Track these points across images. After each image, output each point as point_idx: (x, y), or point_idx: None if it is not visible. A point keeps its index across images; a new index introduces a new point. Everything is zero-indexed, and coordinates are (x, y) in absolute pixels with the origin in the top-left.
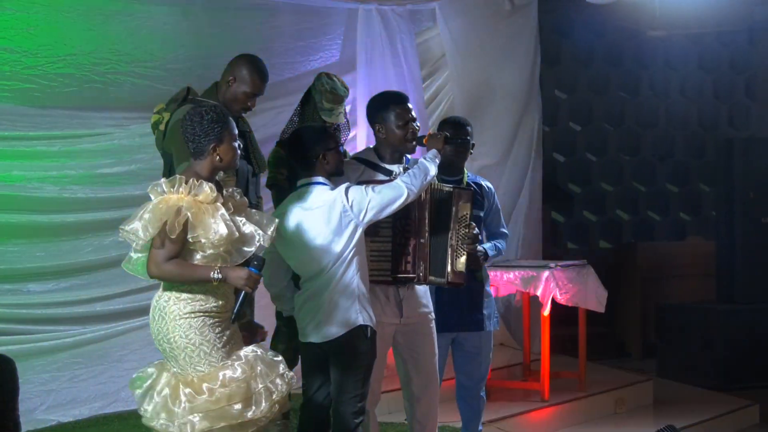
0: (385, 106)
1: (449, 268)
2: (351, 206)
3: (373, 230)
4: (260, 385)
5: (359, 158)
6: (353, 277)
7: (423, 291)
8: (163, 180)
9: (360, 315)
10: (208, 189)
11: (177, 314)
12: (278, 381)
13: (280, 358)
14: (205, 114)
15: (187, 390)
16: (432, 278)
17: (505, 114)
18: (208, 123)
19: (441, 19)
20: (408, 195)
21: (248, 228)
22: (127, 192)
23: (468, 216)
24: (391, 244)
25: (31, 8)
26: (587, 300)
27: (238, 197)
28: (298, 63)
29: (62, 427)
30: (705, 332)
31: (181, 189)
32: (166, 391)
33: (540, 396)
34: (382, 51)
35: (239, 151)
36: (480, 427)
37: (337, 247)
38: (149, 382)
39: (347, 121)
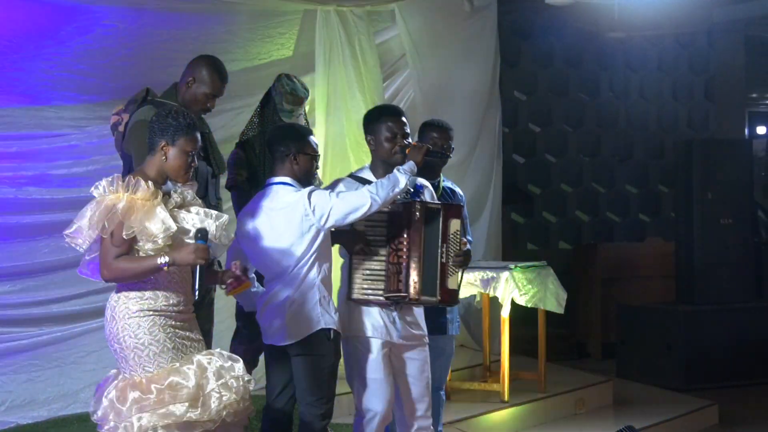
0: (377, 118)
1: (440, 287)
2: (313, 210)
3: (368, 250)
4: (210, 387)
5: (355, 176)
6: (315, 279)
7: (419, 312)
8: (103, 179)
9: (322, 318)
10: (145, 186)
11: (126, 314)
12: (232, 383)
13: (238, 359)
14: (172, 113)
15: (136, 392)
16: (424, 298)
17: (466, 115)
18: (169, 121)
19: (400, 21)
20: (371, 205)
21: (191, 223)
22: (84, 193)
23: (459, 232)
24: (385, 263)
25: None
26: (547, 301)
27: (189, 197)
28: (252, 61)
29: (21, 429)
30: (664, 333)
31: (119, 187)
32: (114, 393)
33: (500, 397)
34: (342, 52)
35: (191, 170)
36: (440, 428)
37: (299, 250)
38: (105, 385)
39: (307, 122)
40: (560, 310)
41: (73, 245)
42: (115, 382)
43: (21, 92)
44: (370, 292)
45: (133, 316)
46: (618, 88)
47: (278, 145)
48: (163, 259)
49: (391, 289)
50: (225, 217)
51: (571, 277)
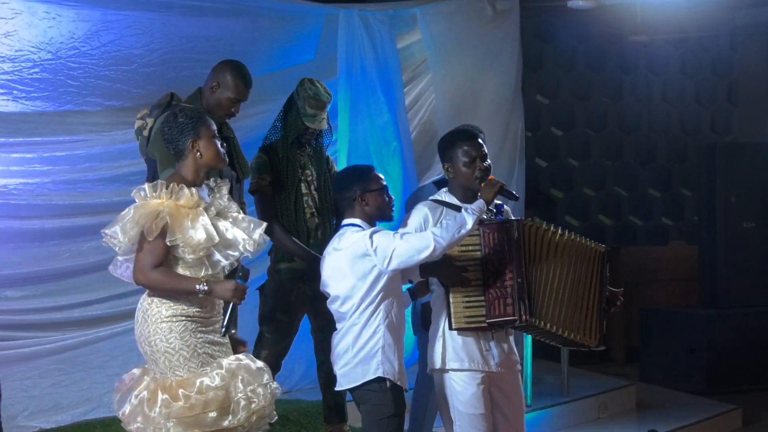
0: (452, 144)
1: (600, 331)
2: (375, 251)
3: (467, 279)
4: (239, 394)
5: (438, 200)
6: (379, 324)
7: (512, 340)
8: (146, 184)
9: (381, 366)
10: (188, 193)
11: (158, 318)
12: (260, 390)
13: (264, 366)
14: (179, 113)
15: (165, 396)
16: (534, 321)
17: (489, 119)
18: (183, 121)
19: (423, 25)
20: (435, 248)
21: (232, 233)
22: (107, 198)
23: (608, 277)
24: (482, 287)
25: (7, 14)
26: None
27: (225, 200)
28: (276, 66)
29: None
30: (688, 337)
31: (162, 193)
32: (144, 394)
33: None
34: (364, 56)
35: (223, 150)
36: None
37: (360, 292)
38: (131, 383)
39: (330, 126)
40: None
41: (110, 245)
42: (145, 382)
43: (45, 98)
44: (473, 319)
45: (165, 320)
46: (641, 91)
47: (343, 192)
48: (202, 287)
49: (495, 313)
50: (263, 225)
51: None
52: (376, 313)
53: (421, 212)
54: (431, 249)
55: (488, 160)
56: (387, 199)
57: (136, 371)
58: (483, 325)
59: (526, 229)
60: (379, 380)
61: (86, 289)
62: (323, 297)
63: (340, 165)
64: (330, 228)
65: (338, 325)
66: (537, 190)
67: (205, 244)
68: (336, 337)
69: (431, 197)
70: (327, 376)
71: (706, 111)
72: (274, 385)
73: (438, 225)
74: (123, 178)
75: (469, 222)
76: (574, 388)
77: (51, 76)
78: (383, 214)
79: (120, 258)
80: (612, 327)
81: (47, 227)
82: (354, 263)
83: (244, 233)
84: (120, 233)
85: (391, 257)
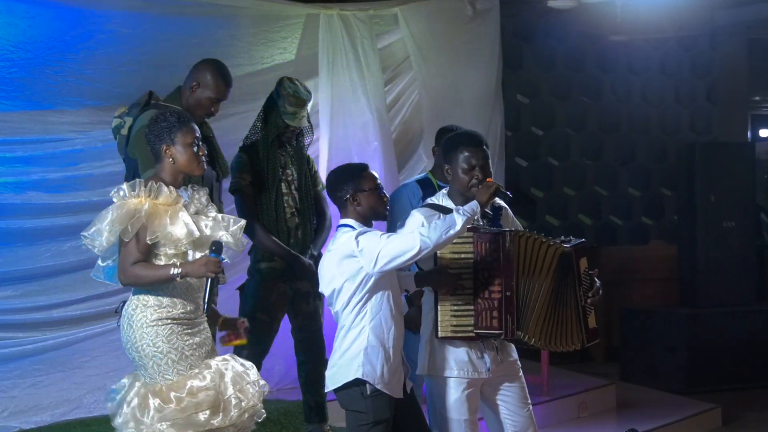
0: (455, 147)
1: (585, 331)
2: (361, 252)
3: (459, 288)
4: (229, 393)
5: (433, 204)
6: (365, 325)
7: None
8: (125, 184)
9: (361, 368)
10: (167, 191)
11: (144, 322)
12: (249, 388)
13: (251, 365)
14: (160, 117)
15: (156, 400)
16: (519, 333)
17: (470, 118)
18: (162, 125)
19: (403, 24)
20: (420, 249)
21: (211, 231)
22: (87, 198)
23: (587, 269)
24: (472, 297)
25: None
26: None
27: (204, 201)
28: (256, 65)
29: None
30: (667, 336)
31: (141, 192)
32: (135, 401)
33: None
34: (346, 56)
35: (202, 157)
36: None
37: (347, 293)
38: (122, 393)
39: (310, 124)
40: None
41: (90, 247)
42: (136, 389)
43: (26, 97)
44: (459, 329)
45: (151, 324)
46: (620, 91)
47: (335, 191)
48: (175, 270)
49: (482, 325)
50: (242, 221)
51: None
52: (361, 315)
53: (416, 219)
54: (417, 249)
55: (490, 171)
56: (381, 198)
57: (125, 381)
58: (470, 335)
59: (520, 240)
60: (360, 385)
61: (66, 289)
62: (303, 296)
63: (320, 165)
64: (310, 228)
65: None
66: (517, 189)
67: (186, 239)
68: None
69: (427, 201)
70: (307, 375)
71: (686, 111)
72: (262, 382)
73: (427, 226)
74: (103, 177)
75: (459, 223)
76: (554, 387)
77: (30, 76)
78: (377, 214)
79: (101, 263)
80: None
81: (27, 227)
82: (341, 264)
83: (223, 231)
84: (98, 235)
85: (377, 258)
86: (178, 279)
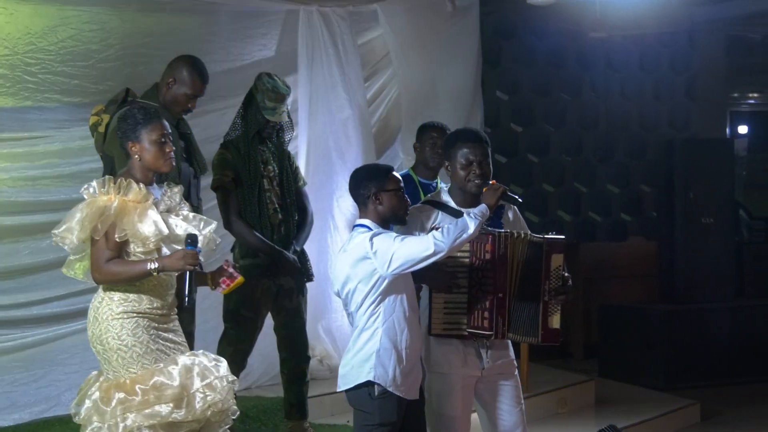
0: (454, 144)
1: (542, 327)
2: (375, 254)
3: (455, 286)
4: (195, 387)
5: (433, 201)
6: (378, 327)
7: (506, 342)
8: (94, 181)
9: (373, 370)
10: (137, 188)
11: (109, 315)
12: (216, 383)
13: (222, 360)
14: (128, 114)
15: (121, 393)
16: (516, 336)
17: (449, 115)
18: (129, 122)
19: (383, 21)
20: (435, 253)
21: (182, 229)
22: (66, 195)
23: (561, 267)
24: (467, 296)
25: None
26: None
27: (177, 199)
28: (235, 62)
29: (2, 431)
30: (646, 332)
31: (110, 189)
32: (97, 394)
33: None
34: (325, 52)
35: (169, 154)
36: None
37: (361, 295)
38: (84, 390)
39: (290, 120)
40: None
41: (61, 245)
42: (98, 383)
43: (3, 94)
44: (452, 326)
45: (116, 317)
46: (599, 87)
47: (358, 189)
48: (152, 265)
49: (474, 324)
50: (213, 223)
51: None
52: (374, 316)
53: (415, 217)
54: (430, 253)
55: (489, 168)
56: (403, 200)
57: (92, 375)
58: (463, 333)
59: (515, 242)
60: (369, 386)
61: (45, 286)
62: (287, 293)
63: (299, 161)
64: (293, 224)
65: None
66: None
67: (155, 237)
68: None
69: (428, 197)
70: (290, 372)
71: (665, 107)
72: (231, 377)
73: (439, 229)
74: (82, 174)
75: (472, 227)
76: (534, 384)
77: (8, 72)
78: (397, 216)
79: (72, 258)
80: (571, 322)
81: (6, 224)
82: (355, 266)
83: (194, 230)
84: (69, 233)
85: (390, 260)
86: (155, 273)
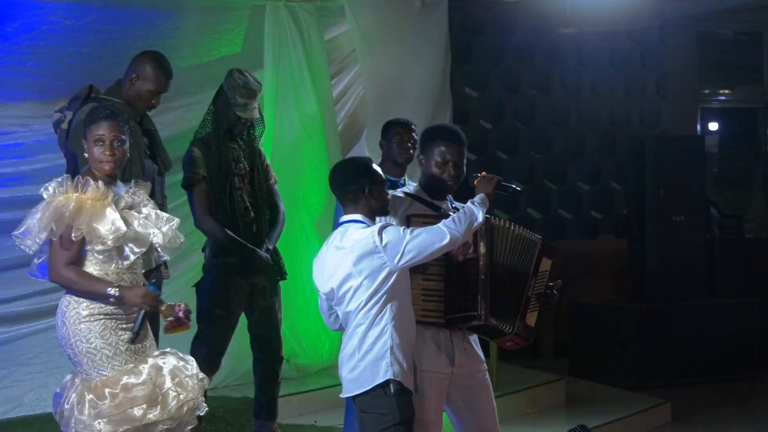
0: (432, 139)
1: (519, 319)
2: (385, 247)
3: (422, 267)
4: (167, 386)
5: (407, 192)
6: (387, 325)
7: (474, 339)
8: (53, 180)
9: (391, 368)
10: (95, 186)
11: (77, 319)
12: (187, 381)
13: (190, 358)
14: (89, 111)
15: (90, 396)
16: (494, 321)
17: (417, 112)
18: (85, 120)
19: (350, 16)
20: (450, 240)
21: (142, 227)
22: (30, 192)
23: (547, 273)
24: (444, 282)
25: None
26: None
27: (141, 197)
28: (201, 58)
29: None
30: (617, 331)
31: (68, 188)
32: (73, 398)
33: None
34: (293, 48)
35: (107, 155)
36: None
37: (367, 291)
38: (64, 391)
39: (261, 116)
40: None
41: (22, 247)
42: (75, 386)
43: None
44: (431, 313)
45: (83, 320)
46: (570, 84)
47: (347, 185)
48: (113, 291)
49: (454, 309)
50: (176, 220)
51: None
52: (382, 313)
53: (392, 207)
54: (447, 241)
55: (463, 168)
56: (387, 192)
57: (68, 377)
58: (440, 320)
59: (496, 229)
60: (384, 385)
61: (9, 285)
62: (260, 292)
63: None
64: (265, 222)
65: (346, 328)
66: (465, 183)
67: (112, 234)
68: (343, 341)
69: (400, 189)
70: (263, 373)
71: (636, 103)
72: (201, 375)
73: (450, 218)
74: (46, 171)
75: (480, 215)
76: (503, 383)
77: None
78: (385, 209)
79: (36, 261)
80: (541, 321)
81: None
82: (360, 261)
83: (154, 227)
84: (28, 233)
85: (403, 252)
86: (111, 300)
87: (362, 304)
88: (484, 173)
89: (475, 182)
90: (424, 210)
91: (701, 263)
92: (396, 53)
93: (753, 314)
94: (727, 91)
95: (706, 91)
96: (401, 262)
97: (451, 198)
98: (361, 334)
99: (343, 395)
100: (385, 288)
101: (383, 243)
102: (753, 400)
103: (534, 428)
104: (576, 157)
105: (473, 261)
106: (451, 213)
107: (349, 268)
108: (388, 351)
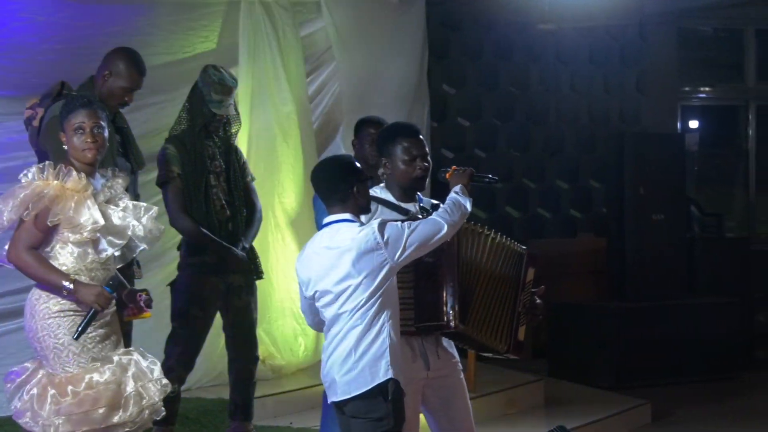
0: (392, 139)
1: (514, 337)
2: (386, 244)
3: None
4: (130, 389)
5: (373, 197)
6: (384, 325)
7: (447, 341)
8: (34, 166)
9: (391, 368)
10: (76, 177)
11: (46, 313)
12: (150, 386)
13: (155, 361)
14: (62, 104)
15: (53, 391)
16: (462, 327)
17: (394, 109)
18: (60, 113)
19: (326, 12)
20: (447, 230)
21: (120, 219)
22: (1, 190)
23: (531, 283)
24: (413, 290)
25: None
26: None
27: (118, 189)
28: (176, 54)
29: None
30: (596, 331)
31: (49, 175)
32: (35, 390)
33: None
34: (268, 44)
35: (89, 143)
36: None
37: (365, 291)
38: (23, 376)
39: (237, 113)
40: None
41: None
42: (38, 377)
43: None
44: (402, 321)
45: (53, 315)
46: (549, 81)
47: (336, 184)
48: (69, 285)
49: (424, 318)
50: (154, 209)
51: None
52: (381, 312)
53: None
54: (444, 231)
55: (429, 160)
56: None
57: (28, 365)
58: (410, 329)
59: (465, 232)
60: (381, 387)
61: None
62: (236, 291)
63: None
64: (241, 220)
65: (333, 329)
66: (443, 181)
67: (89, 226)
68: (331, 343)
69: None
70: (238, 373)
71: (615, 101)
72: (165, 381)
73: (442, 209)
74: (18, 169)
75: (467, 203)
76: (481, 384)
77: None
78: (369, 206)
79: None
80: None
81: None
82: (359, 260)
83: (133, 219)
84: (3, 214)
85: (404, 247)
86: (64, 293)
87: (361, 303)
88: (454, 167)
89: (447, 176)
90: (393, 215)
91: (682, 262)
92: (373, 49)
93: (734, 313)
94: (707, 89)
95: (687, 89)
96: (402, 257)
97: (420, 196)
98: (357, 334)
99: (338, 398)
100: (385, 286)
101: (385, 239)
102: (734, 400)
103: (513, 429)
104: (555, 155)
105: (441, 267)
106: (419, 216)
107: (348, 268)
108: (387, 350)
